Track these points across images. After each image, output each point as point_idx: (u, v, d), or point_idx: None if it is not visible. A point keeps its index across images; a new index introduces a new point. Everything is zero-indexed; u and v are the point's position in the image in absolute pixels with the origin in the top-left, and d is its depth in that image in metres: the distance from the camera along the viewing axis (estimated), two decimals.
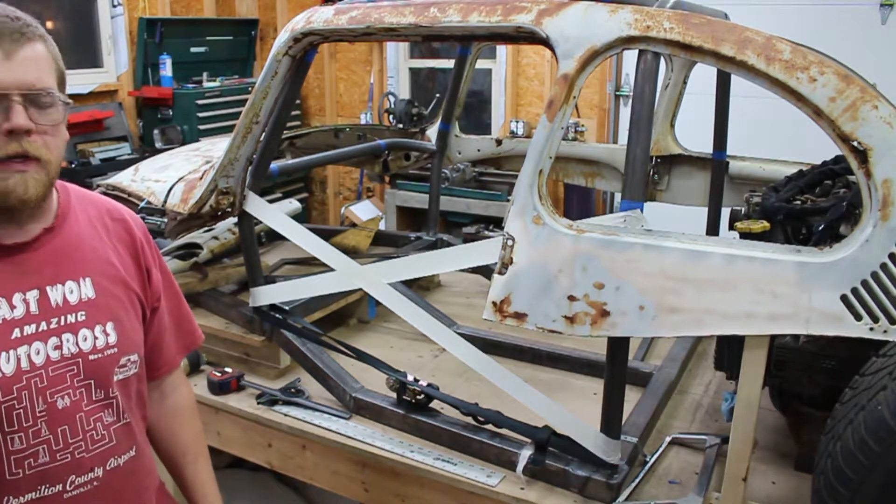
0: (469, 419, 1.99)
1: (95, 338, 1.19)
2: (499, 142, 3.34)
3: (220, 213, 2.39)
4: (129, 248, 1.31)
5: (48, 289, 1.15)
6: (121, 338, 1.23)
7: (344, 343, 2.23)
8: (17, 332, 1.11)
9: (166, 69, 5.44)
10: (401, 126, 4.02)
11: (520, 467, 1.82)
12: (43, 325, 1.14)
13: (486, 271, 2.83)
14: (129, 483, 1.26)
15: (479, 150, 3.37)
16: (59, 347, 1.15)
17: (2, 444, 1.09)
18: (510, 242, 1.63)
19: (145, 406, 1.34)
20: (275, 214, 2.37)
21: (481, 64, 4.94)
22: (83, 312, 1.18)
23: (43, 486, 1.13)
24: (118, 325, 1.23)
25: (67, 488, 1.15)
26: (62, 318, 1.16)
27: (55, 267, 1.17)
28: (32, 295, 1.13)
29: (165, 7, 5.60)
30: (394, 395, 2.09)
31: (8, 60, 1.05)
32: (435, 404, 2.07)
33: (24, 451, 1.10)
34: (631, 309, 1.53)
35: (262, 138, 2.26)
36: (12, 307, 1.11)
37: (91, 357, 1.18)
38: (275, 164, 2.51)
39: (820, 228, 1.60)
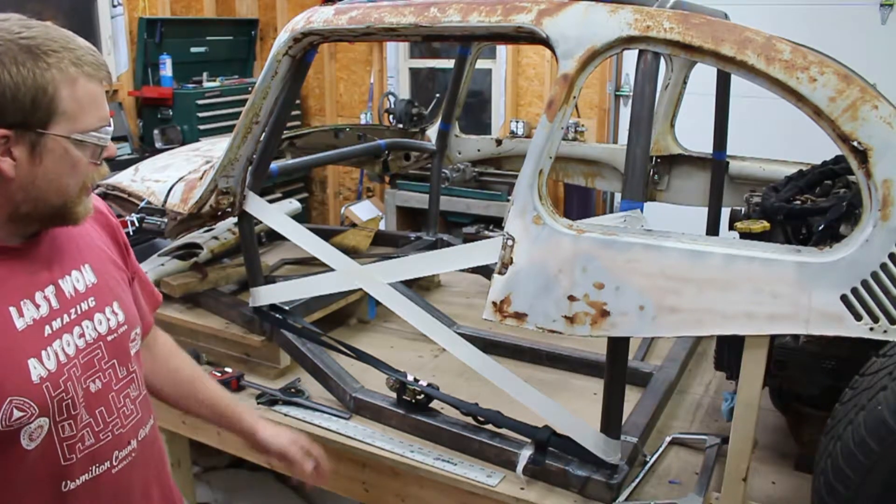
0: (469, 419, 1.99)
1: (108, 319, 1.25)
2: (499, 142, 3.34)
3: (220, 213, 2.39)
4: (105, 228, 1.36)
5: (60, 282, 1.19)
6: (126, 315, 1.29)
7: (344, 343, 2.23)
8: (48, 329, 1.15)
9: (166, 69, 5.43)
10: (401, 126, 4.02)
11: (520, 467, 1.82)
12: (66, 318, 1.18)
13: (486, 271, 2.83)
14: (153, 450, 1.36)
15: (479, 150, 3.37)
16: (82, 335, 1.20)
17: (54, 433, 1.14)
18: (510, 242, 1.63)
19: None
20: (275, 214, 2.37)
21: (481, 64, 4.93)
22: (92, 298, 1.23)
23: (93, 467, 1.20)
24: (121, 303, 1.29)
25: (114, 464, 1.23)
26: (78, 307, 1.21)
27: (59, 260, 1.21)
28: (50, 291, 1.17)
29: (165, 7, 5.60)
30: (394, 395, 2.09)
31: (104, 95, 1.16)
32: (435, 404, 2.07)
33: (73, 437, 1.16)
34: (631, 309, 1.53)
35: (262, 138, 2.26)
36: (37, 306, 1.14)
37: (109, 338, 1.24)
38: (275, 164, 2.51)
39: (820, 228, 1.60)
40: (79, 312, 1.20)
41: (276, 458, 1.63)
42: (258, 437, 1.60)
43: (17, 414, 1.07)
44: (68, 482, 1.16)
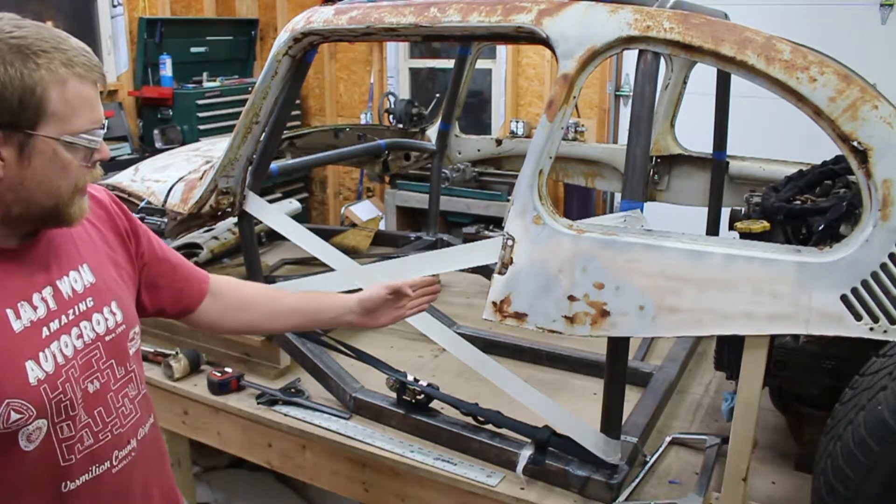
0: (469, 419, 1.99)
1: (106, 319, 1.25)
2: (499, 142, 3.34)
3: (220, 213, 2.40)
4: (106, 222, 1.35)
5: (57, 283, 1.19)
6: (125, 314, 1.29)
7: (344, 343, 2.23)
8: (45, 331, 1.14)
9: (166, 69, 5.44)
10: (401, 126, 4.02)
11: (520, 467, 1.82)
12: (63, 319, 1.18)
13: (486, 271, 2.83)
14: (153, 449, 1.35)
15: (479, 150, 3.37)
16: (80, 336, 1.20)
17: (53, 434, 1.14)
18: (510, 242, 1.63)
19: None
20: (275, 214, 2.37)
21: (481, 64, 4.93)
22: (90, 298, 1.23)
23: (93, 467, 1.19)
24: (119, 302, 1.29)
25: (114, 464, 1.23)
26: (76, 307, 1.20)
27: (56, 261, 1.21)
28: (47, 292, 1.17)
29: (165, 7, 5.60)
30: (394, 395, 2.09)
31: (98, 96, 1.13)
32: (435, 404, 2.07)
33: (72, 438, 1.16)
34: (631, 309, 1.53)
35: (262, 138, 2.26)
36: (34, 308, 1.14)
37: (107, 338, 1.24)
38: (275, 164, 2.51)
39: (820, 228, 1.60)
40: (77, 313, 1.20)
41: (388, 304, 1.65)
42: (360, 301, 1.63)
43: (14, 416, 1.07)
44: (68, 482, 1.16)
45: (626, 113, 5.02)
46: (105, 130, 1.15)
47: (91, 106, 1.11)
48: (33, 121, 1.05)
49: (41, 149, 1.07)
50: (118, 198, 1.42)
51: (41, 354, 1.12)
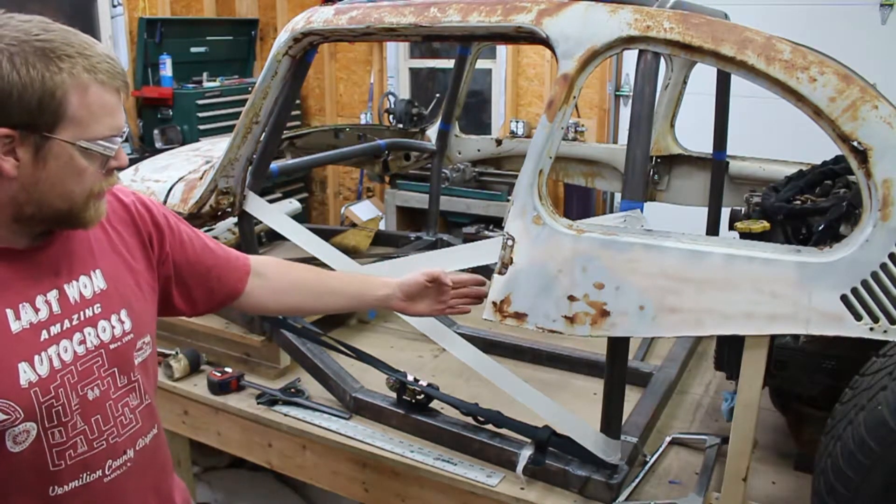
0: (469, 419, 1.99)
1: (113, 327, 1.23)
2: (499, 142, 3.35)
3: (220, 213, 2.40)
4: (129, 227, 1.33)
5: (65, 287, 1.18)
6: (134, 323, 1.27)
7: (344, 343, 2.23)
8: (44, 334, 1.13)
9: (166, 69, 5.43)
10: (401, 126, 4.03)
11: (520, 467, 1.82)
12: (66, 323, 1.17)
13: (486, 271, 2.82)
14: (154, 460, 1.33)
15: (479, 150, 3.37)
16: (83, 342, 1.18)
17: (43, 438, 1.13)
18: (510, 242, 1.63)
19: (156, 381, 1.40)
20: (275, 214, 2.37)
21: (481, 64, 4.93)
22: (98, 304, 1.22)
23: (84, 474, 1.18)
24: (130, 311, 1.27)
25: (106, 472, 1.21)
26: (81, 313, 1.19)
27: (68, 264, 1.20)
28: (52, 295, 1.16)
29: (165, 7, 5.60)
30: (394, 395, 2.09)
31: (120, 104, 1.13)
32: (435, 404, 2.07)
33: (63, 444, 1.15)
34: (631, 309, 1.54)
35: (262, 138, 2.26)
36: (36, 310, 1.13)
37: (112, 346, 1.22)
38: (275, 164, 2.51)
39: (820, 228, 1.60)
40: (81, 319, 1.19)
41: (427, 292, 1.68)
42: (401, 285, 1.65)
43: (0, 416, 1.06)
44: (56, 487, 1.15)
45: (626, 113, 5.02)
46: (124, 138, 1.15)
47: (111, 113, 1.11)
48: (51, 124, 1.05)
49: (57, 152, 1.07)
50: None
51: (37, 357, 1.11)
